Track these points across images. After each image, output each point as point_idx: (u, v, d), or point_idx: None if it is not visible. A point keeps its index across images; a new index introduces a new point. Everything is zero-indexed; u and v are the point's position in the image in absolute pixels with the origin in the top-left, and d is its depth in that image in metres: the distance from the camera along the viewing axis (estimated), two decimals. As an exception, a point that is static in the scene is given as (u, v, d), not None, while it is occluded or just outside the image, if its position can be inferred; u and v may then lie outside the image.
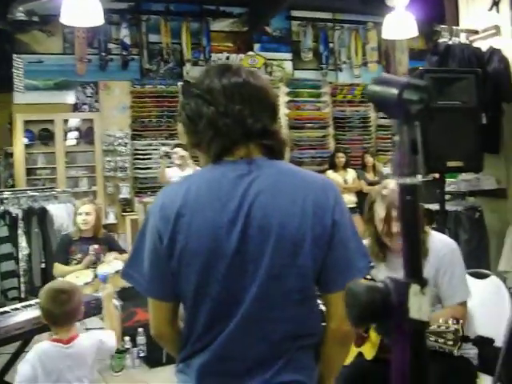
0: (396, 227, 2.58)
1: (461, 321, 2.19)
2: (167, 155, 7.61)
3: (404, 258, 0.79)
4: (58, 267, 5.05)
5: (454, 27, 4.91)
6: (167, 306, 1.64)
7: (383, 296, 0.77)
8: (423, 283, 0.77)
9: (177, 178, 7.20)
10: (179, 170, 7.30)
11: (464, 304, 2.63)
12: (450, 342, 2.11)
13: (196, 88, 1.62)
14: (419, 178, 0.80)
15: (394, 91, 0.78)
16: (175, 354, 1.70)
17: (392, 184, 2.66)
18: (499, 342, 2.70)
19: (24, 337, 3.54)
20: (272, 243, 1.50)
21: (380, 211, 2.64)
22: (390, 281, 0.78)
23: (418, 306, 0.75)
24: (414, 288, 0.76)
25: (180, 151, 7.33)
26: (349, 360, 2.83)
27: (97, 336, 3.13)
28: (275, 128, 1.65)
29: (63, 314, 2.88)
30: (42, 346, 2.89)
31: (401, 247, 2.40)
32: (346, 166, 8.80)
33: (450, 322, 2.15)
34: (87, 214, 5.14)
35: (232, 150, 1.59)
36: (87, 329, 3.77)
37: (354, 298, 0.78)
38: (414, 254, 0.79)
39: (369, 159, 9.16)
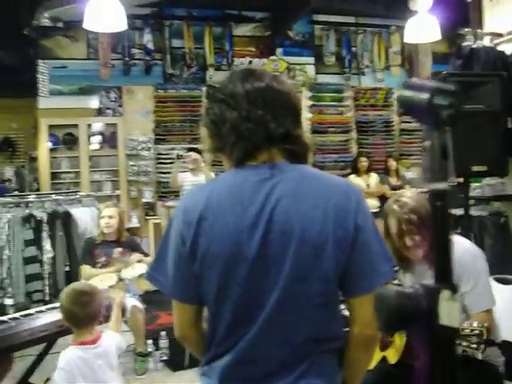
0: (410, 241, 2.58)
1: (485, 324, 2.16)
2: (180, 159, 7.51)
3: (434, 264, 0.77)
4: (85, 269, 5.09)
5: (479, 30, 4.87)
6: (191, 308, 1.66)
7: (413, 301, 0.76)
8: (454, 289, 0.76)
9: (188, 182, 7.22)
10: (191, 174, 7.23)
11: (489, 312, 2.59)
12: (474, 345, 2.08)
13: (220, 92, 1.63)
14: (449, 183, 0.79)
15: (425, 96, 0.77)
16: (200, 356, 1.71)
17: (407, 195, 2.65)
18: (525, 348, 2.66)
19: (48, 339, 3.58)
20: (294, 247, 1.50)
21: (392, 226, 2.64)
22: (419, 286, 0.77)
23: (449, 312, 0.74)
24: (445, 294, 0.74)
25: (193, 155, 7.29)
26: (372, 364, 2.81)
27: (114, 335, 3.19)
28: (298, 132, 1.65)
29: (86, 315, 2.92)
30: (71, 351, 2.93)
31: (421, 257, 2.37)
32: (369, 170, 8.76)
33: (475, 324, 2.12)
34: (110, 217, 5.18)
35: (254, 154, 1.59)
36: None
37: (383, 304, 0.77)
38: (445, 260, 0.78)
39: (392, 163, 9.10)
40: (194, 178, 7.19)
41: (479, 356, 2.07)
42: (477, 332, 2.09)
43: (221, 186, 1.61)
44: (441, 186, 0.78)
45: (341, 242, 1.52)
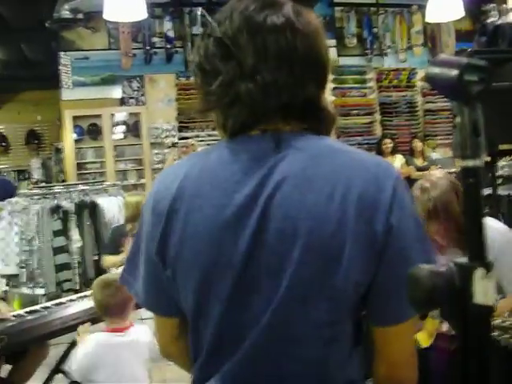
0: (433, 228, 2.50)
1: None
2: (176, 147, 7.34)
3: (467, 241, 0.77)
4: (106, 258, 5.12)
5: (503, 6, 4.78)
6: (171, 321, 1.26)
7: (447, 280, 0.75)
8: (489, 267, 0.75)
9: None
10: None
11: None
12: None
13: (216, 27, 1.14)
14: (482, 160, 0.78)
15: (455, 72, 0.76)
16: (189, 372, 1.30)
17: (431, 180, 2.56)
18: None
19: (80, 327, 3.62)
20: (297, 255, 1.05)
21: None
22: (453, 264, 0.76)
23: (484, 290, 0.73)
24: (480, 272, 0.74)
25: (190, 141, 7.18)
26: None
27: (149, 333, 3.19)
28: (322, 100, 1.18)
29: (116, 304, 2.96)
30: (99, 336, 2.96)
31: (450, 243, 2.28)
32: (394, 151, 8.68)
33: None
34: None
35: (255, 123, 1.13)
36: (141, 319, 3.83)
37: (416, 283, 0.77)
38: (479, 237, 0.77)
39: (417, 144, 9.01)
40: None
41: None
42: None
43: (202, 165, 1.16)
44: (473, 162, 0.78)
45: (364, 251, 1.06)
